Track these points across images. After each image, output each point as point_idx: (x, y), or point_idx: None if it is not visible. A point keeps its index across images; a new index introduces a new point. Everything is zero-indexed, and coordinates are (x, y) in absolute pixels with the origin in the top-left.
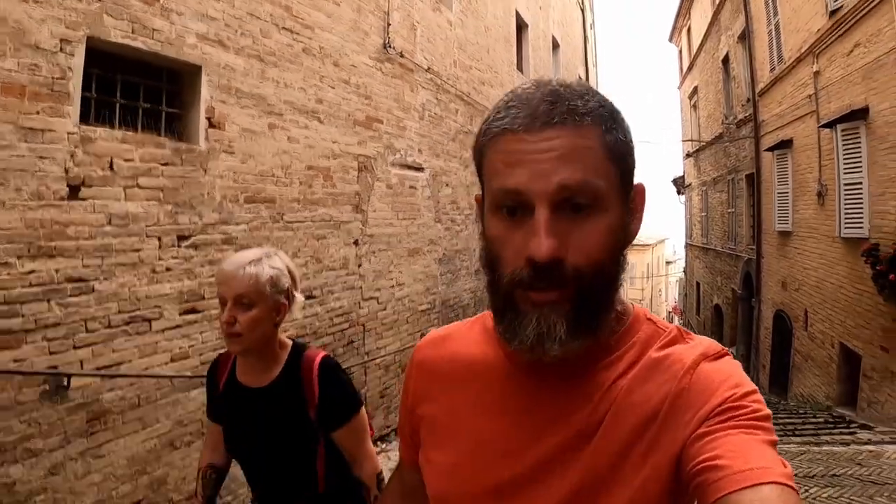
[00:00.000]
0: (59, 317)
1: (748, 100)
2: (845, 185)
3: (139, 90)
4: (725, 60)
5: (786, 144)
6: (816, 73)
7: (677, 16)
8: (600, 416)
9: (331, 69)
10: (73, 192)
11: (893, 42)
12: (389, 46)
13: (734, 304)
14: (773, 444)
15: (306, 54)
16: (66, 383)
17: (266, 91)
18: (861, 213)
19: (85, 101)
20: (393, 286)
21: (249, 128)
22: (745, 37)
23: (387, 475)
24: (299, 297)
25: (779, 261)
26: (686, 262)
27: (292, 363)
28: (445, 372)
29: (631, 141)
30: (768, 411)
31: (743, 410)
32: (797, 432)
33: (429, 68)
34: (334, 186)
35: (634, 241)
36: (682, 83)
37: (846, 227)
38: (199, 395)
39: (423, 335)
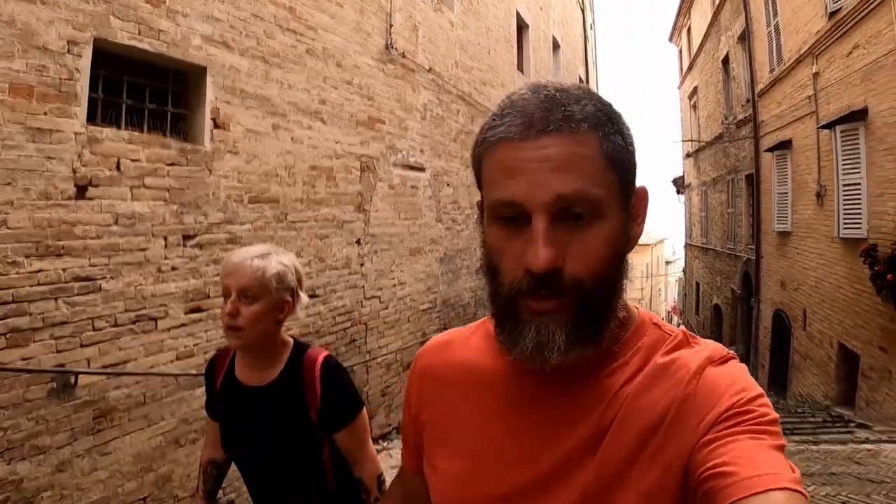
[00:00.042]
0: (66, 315)
1: (748, 100)
2: (844, 185)
3: (145, 91)
4: (725, 61)
5: (785, 145)
6: (816, 75)
7: (677, 16)
8: (607, 423)
9: (334, 70)
10: (81, 191)
11: (892, 44)
12: (392, 47)
13: (733, 303)
14: (782, 448)
15: (310, 55)
16: (73, 381)
17: (270, 92)
18: (860, 213)
19: (92, 102)
20: (395, 285)
21: (254, 128)
22: (745, 37)
23: (388, 473)
24: (304, 296)
25: (778, 261)
26: (685, 261)
27: (294, 363)
28: (449, 378)
29: (631, 144)
30: (776, 415)
31: (750, 415)
32: (796, 431)
33: (430, 69)
34: (337, 186)
35: None
36: (681, 83)
37: (845, 228)
38: (204, 393)
39: (424, 334)
